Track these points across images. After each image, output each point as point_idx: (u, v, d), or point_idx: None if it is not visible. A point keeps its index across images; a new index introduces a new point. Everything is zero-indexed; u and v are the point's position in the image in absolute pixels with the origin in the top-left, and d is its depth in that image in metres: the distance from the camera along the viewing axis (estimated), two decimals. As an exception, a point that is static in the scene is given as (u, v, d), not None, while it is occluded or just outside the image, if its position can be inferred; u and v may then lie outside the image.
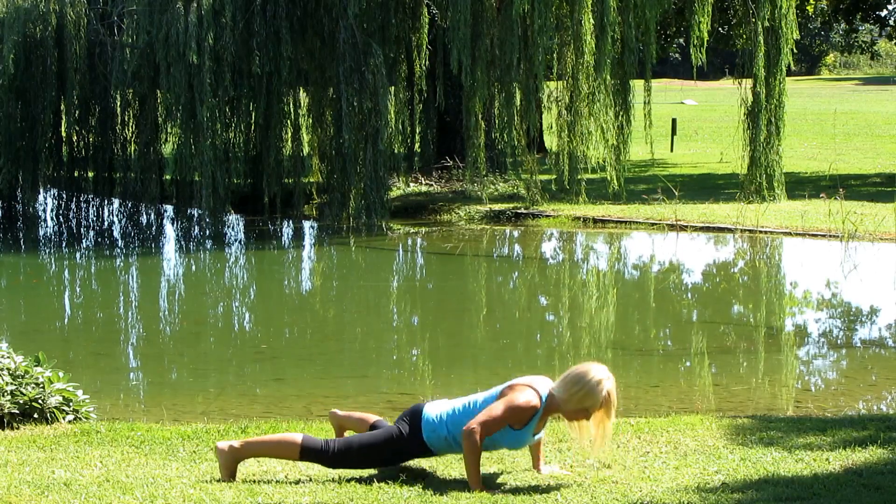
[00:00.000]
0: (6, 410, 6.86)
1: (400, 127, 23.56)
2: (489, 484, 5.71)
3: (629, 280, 16.29)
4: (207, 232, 20.44)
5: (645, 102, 21.71)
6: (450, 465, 6.10)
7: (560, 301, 14.57)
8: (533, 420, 5.67)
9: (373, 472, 5.93)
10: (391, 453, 5.83)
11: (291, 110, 21.79)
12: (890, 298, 13.94)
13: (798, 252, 17.60)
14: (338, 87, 19.96)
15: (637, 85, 21.74)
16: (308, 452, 5.81)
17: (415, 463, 6.11)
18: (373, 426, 6.12)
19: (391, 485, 5.61)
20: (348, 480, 5.74)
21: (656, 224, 19.43)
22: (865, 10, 32.26)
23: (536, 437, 5.81)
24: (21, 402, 6.92)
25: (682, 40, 39.03)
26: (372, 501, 5.35)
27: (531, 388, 5.67)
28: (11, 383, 6.93)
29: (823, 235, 17.94)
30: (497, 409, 5.60)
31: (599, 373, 5.59)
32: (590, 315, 13.34)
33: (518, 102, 20.57)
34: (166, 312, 14.17)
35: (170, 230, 22.10)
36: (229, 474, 5.82)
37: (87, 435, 6.71)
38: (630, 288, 15.66)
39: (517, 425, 5.66)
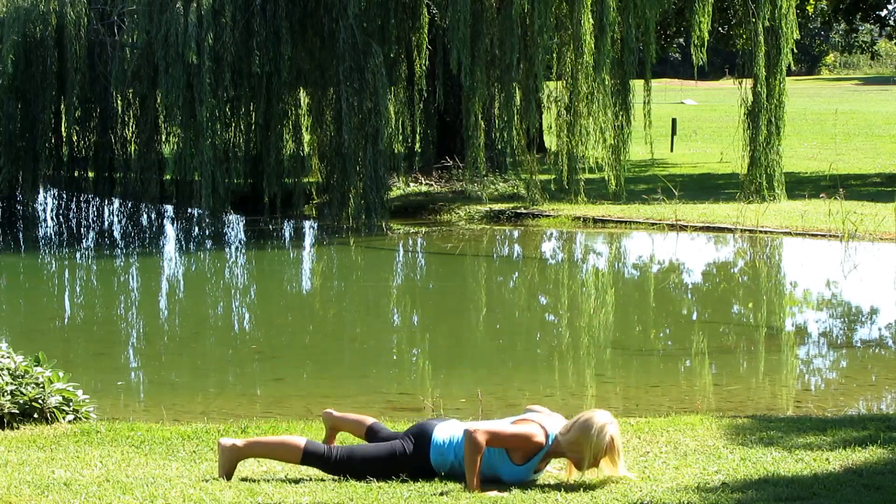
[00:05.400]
0: (6, 410, 6.86)
1: (400, 127, 23.54)
2: (488, 484, 5.70)
3: (629, 280, 16.29)
4: (207, 232, 20.44)
5: (645, 102, 21.69)
6: (450, 465, 6.10)
7: (560, 301, 14.57)
8: (535, 458, 5.67)
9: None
10: (393, 468, 5.79)
11: (291, 110, 21.77)
12: (890, 298, 13.94)
13: (798, 252, 17.61)
14: (338, 87, 19.96)
15: (637, 85, 21.73)
16: (310, 457, 5.82)
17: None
18: (370, 429, 6.08)
19: (391, 485, 5.61)
20: (348, 480, 5.74)
21: (656, 224, 19.42)
22: (865, 10, 32.22)
23: (537, 474, 5.76)
24: (21, 402, 6.92)
25: (682, 40, 39.03)
26: (372, 501, 5.35)
27: (540, 427, 5.67)
28: (11, 383, 6.93)
29: (823, 235, 17.93)
30: (505, 427, 5.64)
31: (602, 418, 5.60)
32: (589, 315, 13.34)
33: (518, 102, 20.56)
34: (166, 312, 14.17)
35: (170, 230, 22.11)
36: (227, 472, 5.82)
37: (87, 435, 6.71)
38: (630, 288, 15.66)
39: (518, 460, 5.66)
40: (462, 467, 5.66)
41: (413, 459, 5.76)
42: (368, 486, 5.56)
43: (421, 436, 5.80)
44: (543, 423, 5.71)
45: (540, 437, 5.63)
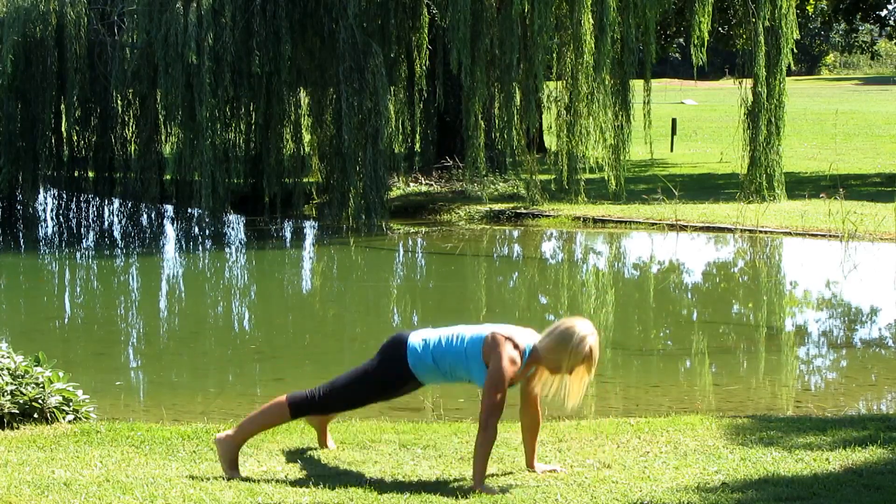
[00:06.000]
0: (6, 410, 6.86)
1: (400, 127, 23.55)
2: (488, 483, 5.70)
3: (629, 280, 16.29)
4: (207, 232, 20.44)
5: (645, 102, 21.70)
6: (450, 465, 6.10)
7: (560, 301, 14.56)
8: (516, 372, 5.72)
9: (373, 471, 5.93)
10: (378, 385, 5.92)
11: (291, 110, 21.76)
12: (890, 298, 13.94)
13: (798, 252, 17.60)
14: (338, 87, 19.96)
15: (637, 85, 21.74)
16: (297, 407, 5.94)
17: (415, 462, 6.10)
18: None
19: (391, 484, 5.61)
20: (348, 480, 5.74)
21: (656, 224, 19.42)
22: (865, 10, 32.23)
23: (511, 386, 5.79)
24: (21, 402, 6.91)
25: (682, 40, 39.04)
26: (372, 502, 5.35)
27: (512, 343, 5.68)
28: (11, 383, 6.93)
29: (823, 235, 17.93)
30: (494, 387, 5.60)
31: (583, 329, 5.63)
32: (589, 315, 13.33)
33: (518, 102, 20.56)
34: (166, 312, 14.17)
35: (170, 230, 22.10)
36: (230, 464, 5.85)
37: (87, 435, 6.70)
38: (630, 288, 15.66)
39: None
40: (441, 372, 5.81)
41: (392, 368, 5.88)
42: (368, 487, 5.56)
43: (396, 344, 5.95)
44: (515, 337, 5.72)
45: (517, 359, 5.67)
